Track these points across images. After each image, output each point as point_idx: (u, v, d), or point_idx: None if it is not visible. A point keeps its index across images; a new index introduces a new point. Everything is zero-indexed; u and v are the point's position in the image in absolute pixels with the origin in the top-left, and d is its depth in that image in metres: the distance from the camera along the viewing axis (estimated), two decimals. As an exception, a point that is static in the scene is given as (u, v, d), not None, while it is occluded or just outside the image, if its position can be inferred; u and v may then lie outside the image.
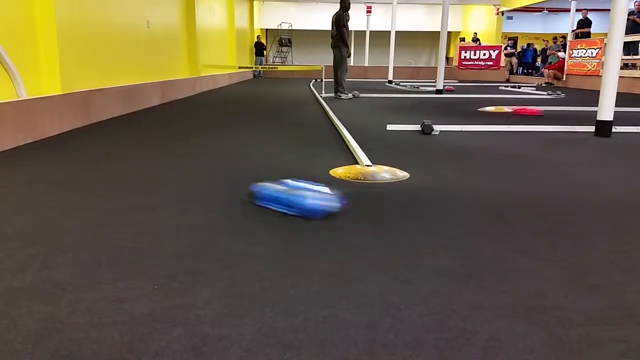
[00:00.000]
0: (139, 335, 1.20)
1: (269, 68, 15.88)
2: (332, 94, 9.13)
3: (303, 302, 1.37)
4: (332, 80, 9.27)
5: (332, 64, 9.10)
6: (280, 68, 17.82)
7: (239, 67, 14.07)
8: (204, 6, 10.53)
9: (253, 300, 1.38)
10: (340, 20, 8.71)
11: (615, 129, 4.65)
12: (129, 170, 3.05)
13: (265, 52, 20.03)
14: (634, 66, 11.80)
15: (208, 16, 11.17)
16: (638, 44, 11.55)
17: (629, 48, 11.35)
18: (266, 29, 24.12)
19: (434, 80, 11.51)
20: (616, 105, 4.58)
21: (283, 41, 23.24)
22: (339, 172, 2.96)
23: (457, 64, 19.80)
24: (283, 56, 24.01)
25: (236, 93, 10.39)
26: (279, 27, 23.23)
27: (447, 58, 18.83)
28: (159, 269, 1.58)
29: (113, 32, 5.91)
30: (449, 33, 19.77)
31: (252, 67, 15.96)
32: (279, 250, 1.76)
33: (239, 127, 5.02)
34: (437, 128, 4.66)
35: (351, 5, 8.99)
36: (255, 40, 19.46)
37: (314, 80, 15.57)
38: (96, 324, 1.24)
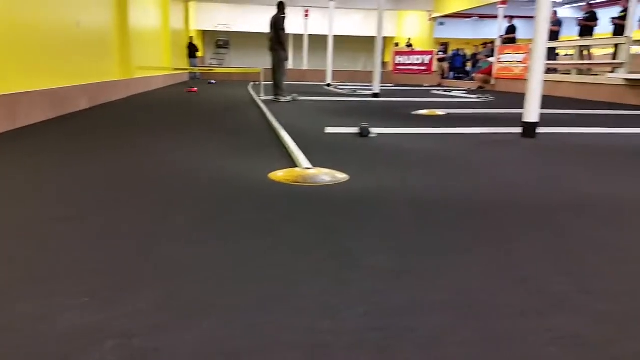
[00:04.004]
0: (70, 349, 1.14)
1: (206, 70, 15.58)
2: (272, 97, 9.08)
3: (244, 309, 1.36)
4: (271, 83, 9.21)
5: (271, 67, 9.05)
6: (217, 70, 17.51)
7: (175, 69, 13.75)
8: (137, 6, 10.20)
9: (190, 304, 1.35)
10: (278, 22, 8.67)
11: (540, 130, 4.90)
12: (53, 178, 2.90)
13: (197, 54, 19.52)
14: (555, 71, 12.54)
15: (142, 16, 10.82)
16: (555, 50, 12.30)
17: (548, 54, 12.02)
18: (203, 31, 23.69)
19: (370, 84, 11.71)
20: (541, 108, 4.84)
21: (221, 43, 22.86)
22: (279, 175, 2.96)
23: (392, 69, 20.28)
24: (220, 58, 23.65)
25: (170, 96, 10.13)
26: (216, 29, 22.86)
27: (382, 62, 19.24)
28: (83, 282, 1.51)
29: (41, 32, 5.61)
30: (385, 38, 20.22)
31: (189, 69, 15.61)
32: (223, 254, 1.73)
33: (172, 132, 4.90)
34: (374, 131, 4.75)
35: (289, 8, 8.97)
36: (188, 42, 18.92)
37: (252, 83, 15.45)
38: (27, 338, 1.17)
